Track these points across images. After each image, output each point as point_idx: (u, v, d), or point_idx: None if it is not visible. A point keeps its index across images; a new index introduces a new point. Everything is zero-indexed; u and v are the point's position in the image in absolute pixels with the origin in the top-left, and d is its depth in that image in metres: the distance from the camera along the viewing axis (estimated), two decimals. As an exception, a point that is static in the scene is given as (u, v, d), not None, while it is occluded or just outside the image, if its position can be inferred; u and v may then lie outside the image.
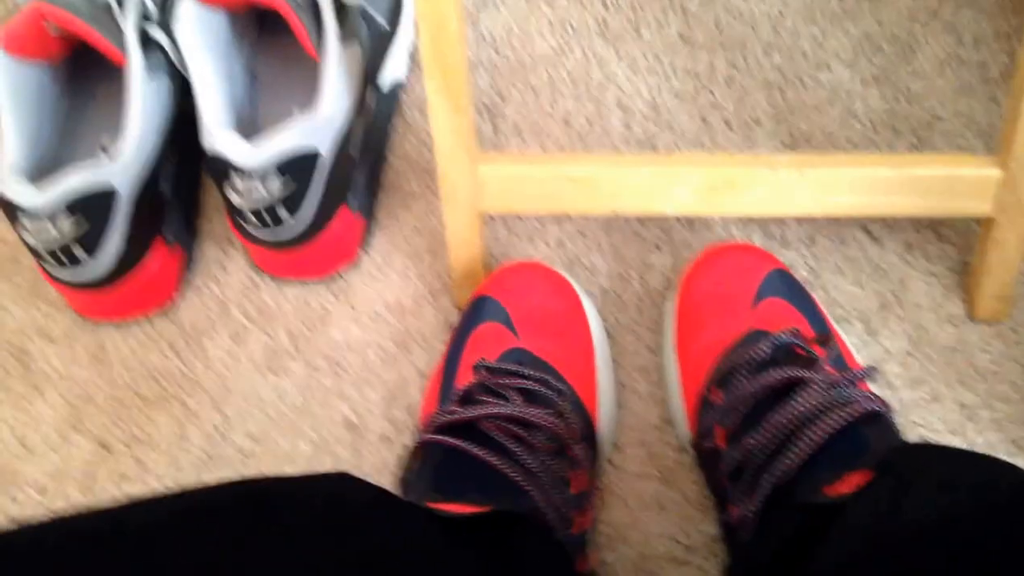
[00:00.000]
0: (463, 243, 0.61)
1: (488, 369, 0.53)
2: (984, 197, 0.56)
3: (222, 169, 0.58)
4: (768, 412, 0.48)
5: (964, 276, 0.63)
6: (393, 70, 0.71)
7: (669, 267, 0.65)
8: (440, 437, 0.50)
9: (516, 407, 0.50)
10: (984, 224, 0.58)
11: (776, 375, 0.49)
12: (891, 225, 0.65)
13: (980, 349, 0.60)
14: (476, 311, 0.59)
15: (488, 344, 0.57)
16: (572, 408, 0.53)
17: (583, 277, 0.65)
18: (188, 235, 0.67)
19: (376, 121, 0.68)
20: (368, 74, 0.66)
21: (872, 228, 0.65)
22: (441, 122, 0.55)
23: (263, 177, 0.57)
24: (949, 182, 0.55)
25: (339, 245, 0.64)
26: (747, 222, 0.66)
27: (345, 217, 0.63)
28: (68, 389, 0.64)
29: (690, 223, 0.66)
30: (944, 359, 0.60)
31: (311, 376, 0.63)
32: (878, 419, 0.48)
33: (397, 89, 0.72)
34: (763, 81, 0.71)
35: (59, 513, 0.35)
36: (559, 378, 0.55)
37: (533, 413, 0.50)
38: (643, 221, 0.67)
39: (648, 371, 0.62)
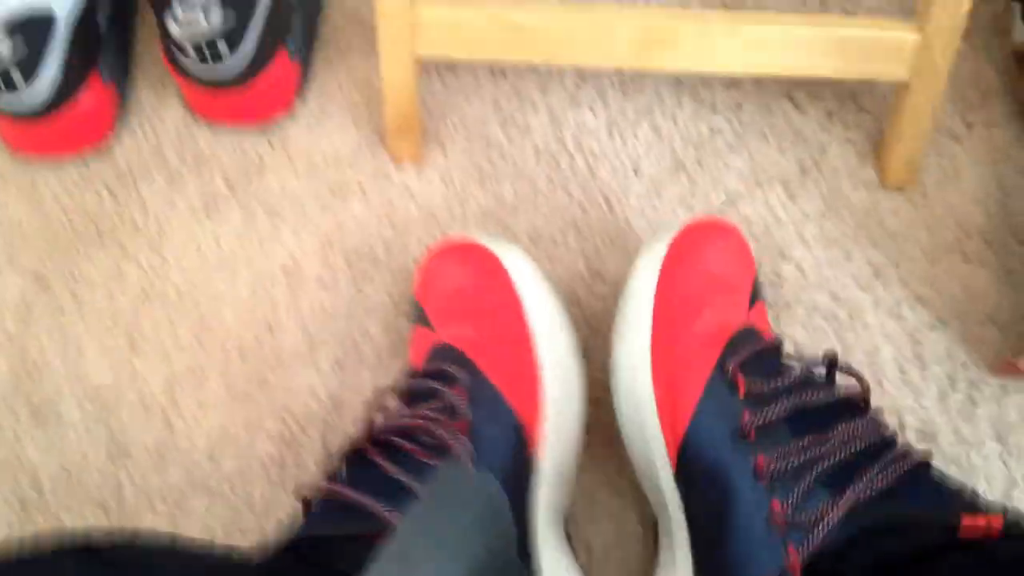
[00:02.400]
0: (399, 89, 0.62)
1: (407, 374, 0.52)
2: (901, 61, 0.58)
3: (162, -1, 0.57)
4: (820, 424, 0.46)
5: (879, 144, 0.66)
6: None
7: (603, 127, 0.67)
8: (322, 484, 0.47)
9: (382, 423, 0.47)
10: (899, 90, 0.61)
11: (846, 393, 0.47)
12: (814, 94, 0.68)
13: (890, 212, 0.64)
14: (412, 316, 0.58)
15: (417, 349, 0.56)
16: (473, 394, 0.49)
17: (516, 136, 0.67)
18: (123, 74, 0.67)
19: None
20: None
21: (796, 96, 0.68)
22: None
23: (205, 7, 0.57)
24: (869, 44, 0.58)
25: (276, 91, 0.65)
26: (678, 87, 0.68)
27: (283, 61, 0.64)
28: (0, 226, 0.64)
29: (623, 87, 0.68)
30: (857, 221, 0.64)
31: (248, 221, 0.64)
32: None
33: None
34: (699, -51, 0.72)
35: None
36: (465, 365, 0.51)
37: (395, 424, 0.47)
38: (578, 83, 0.68)
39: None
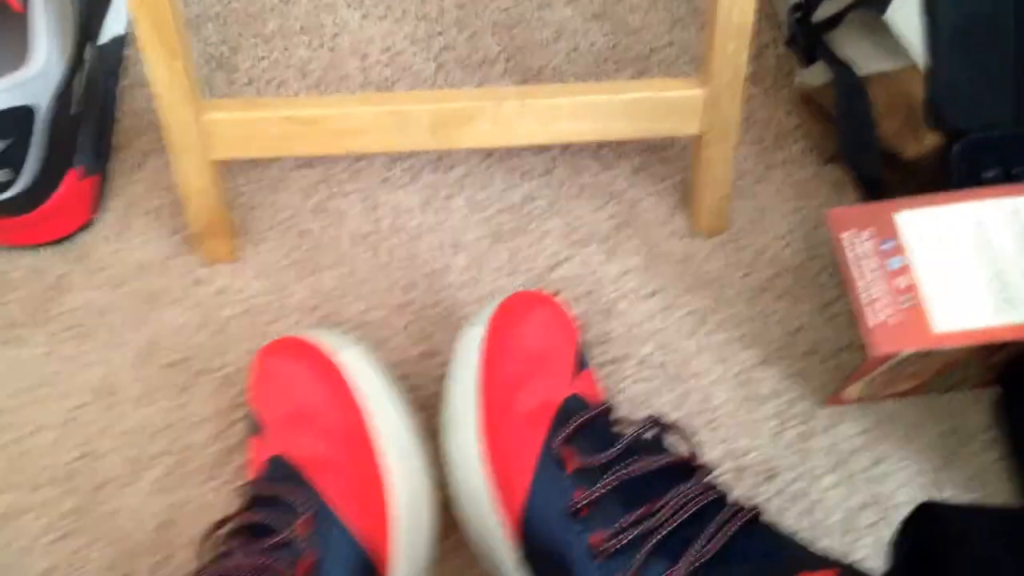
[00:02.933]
0: (199, 194, 0.60)
1: (244, 497, 0.49)
2: (692, 116, 0.60)
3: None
4: (650, 492, 0.46)
5: (687, 194, 0.67)
6: (113, 24, 0.68)
7: (418, 206, 0.66)
8: None
9: (211, 569, 0.44)
10: (695, 143, 0.63)
11: (672, 458, 0.47)
12: (620, 152, 0.69)
13: (705, 259, 0.65)
14: (246, 428, 0.55)
15: (254, 460, 0.52)
16: (315, 525, 0.47)
17: (331, 224, 0.65)
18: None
19: (97, 76, 0.66)
20: (85, 29, 0.63)
21: (603, 155, 0.69)
22: (157, 72, 0.54)
23: (-26, 137, 0.54)
24: (660, 104, 0.59)
25: (69, 209, 0.62)
26: (489, 157, 0.68)
27: (72, 180, 0.61)
28: None
29: (435, 164, 0.68)
30: (675, 271, 0.65)
31: (51, 344, 0.61)
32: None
33: (119, 43, 0.70)
34: (491, 22, 0.73)
35: None
36: (303, 488, 0.48)
37: (231, 566, 0.44)
38: (388, 165, 0.68)
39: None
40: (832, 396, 0.60)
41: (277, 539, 0.45)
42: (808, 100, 0.69)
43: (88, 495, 0.57)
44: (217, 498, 0.57)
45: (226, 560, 0.45)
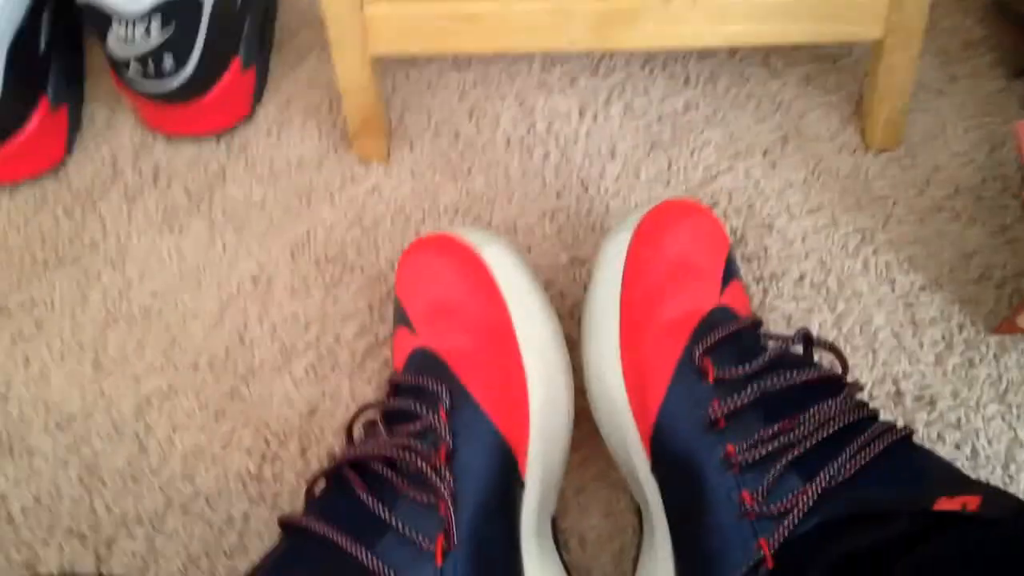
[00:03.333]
0: (357, 91, 0.60)
1: (388, 384, 0.50)
2: (875, 19, 0.56)
3: (101, 18, 0.55)
4: (793, 407, 0.44)
5: (860, 105, 0.63)
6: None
7: (574, 111, 0.65)
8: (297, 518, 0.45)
9: (363, 445, 0.45)
10: (875, 50, 0.59)
11: (819, 373, 0.45)
12: (791, 59, 0.65)
13: (876, 175, 0.61)
14: (393, 316, 0.55)
15: (399, 351, 0.52)
16: (456, 415, 0.46)
17: (484, 127, 0.64)
18: (73, 95, 0.65)
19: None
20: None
21: (772, 63, 0.65)
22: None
23: (145, 22, 0.55)
24: (841, 4, 0.55)
25: (231, 100, 0.63)
26: (649, 62, 0.66)
27: (236, 70, 0.62)
28: (-41, 255, 0.62)
29: (593, 68, 0.66)
30: (842, 186, 0.61)
31: (211, 233, 0.62)
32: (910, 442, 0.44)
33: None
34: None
35: None
36: (447, 379, 0.48)
37: (373, 448, 0.44)
38: (546, 67, 0.66)
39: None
40: (1002, 324, 0.56)
41: (419, 425, 0.45)
42: (1001, 7, 0.63)
43: (241, 379, 0.58)
44: (364, 389, 0.58)
45: (369, 443, 0.46)
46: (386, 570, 0.41)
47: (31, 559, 0.54)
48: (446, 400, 0.47)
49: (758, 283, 0.59)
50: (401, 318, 0.53)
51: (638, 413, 0.49)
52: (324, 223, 0.62)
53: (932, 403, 0.55)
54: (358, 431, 0.50)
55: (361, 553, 0.41)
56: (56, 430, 0.57)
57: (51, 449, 0.57)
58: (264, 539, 0.55)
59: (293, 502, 0.55)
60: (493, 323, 0.50)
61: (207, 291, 0.60)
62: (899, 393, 0.56)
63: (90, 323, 0.59)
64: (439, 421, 0.45)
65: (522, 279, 0.53)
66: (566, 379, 0.52)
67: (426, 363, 0.49)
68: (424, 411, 0.46)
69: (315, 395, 0.58)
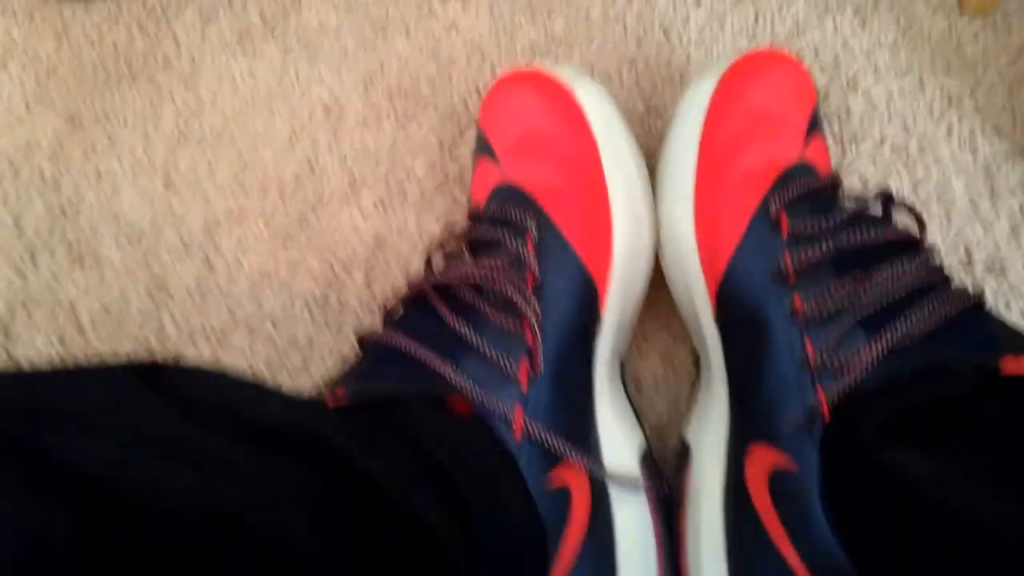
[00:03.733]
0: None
1: (470, 216, 0.49)
2: None
3: None
4: (867, 265, 0.43)
5: (959, -33, 0.61)
6: None
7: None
8: (380, 333, 0.45)
9: (445, 270, 0.45)
10: (985, -98, 0.56)
11: (896, 233, 0.44)
12: (888, -84, 0.63)
13: (969, 39, 0.59)
14: (475, 147, 0.54)
15: (480, 183, 0.52)
16: (542, 246, 0.46)
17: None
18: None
19: None
20: None
21: (868, -81, 0.63)
22: None
23: None
24: None
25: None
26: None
27: None
28: (31, 64, 0.62)
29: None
30: (932, 48, 0.59)
31: (285, 58, 0.61)
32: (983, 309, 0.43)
33: None
34: None
35: None
36: (534, 212, 0.47)
37: (460, 274, 0.44)
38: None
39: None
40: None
41: (506, 255, 0.45)
42: None
43: (310, 207, 0.58)
44: (431, 226, 0.58)
45: (456, 269, 0.46)
46: (474, 388, 0.41)
47: (99, 366, 0.55)
48: (534, 231, 0.46)
49: (838, 144, 0.57)
50: (485, 149, 0.52)
51: (707, 262, 0.48)
52: (399, 56, 0.61)
53: (1003, 272, 0.54)
54: (437, 261, 0.50)
55: (448, 370, 0.41)
56: (126, 243, 0.57)
57: (121, 262, 0.57)
58: (327, 363, 0.55)
59: (357, 330, 0.56)
60: (582, 160, 0.50)
61: (279, 118, 0.60)
62: (970, 261, 0.55)
63: (162, 141, 0.59)
64: (526, 251, 0.45)
65: (613, 119, 0.52)
66: (650, 221, 0.51)
67: (512, 196, 0.49)
68: (511, 241, 0.45)
69: (382, 228, 0.58)
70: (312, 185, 0.58)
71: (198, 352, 0.55)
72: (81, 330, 0.56)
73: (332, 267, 0.57)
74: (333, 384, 0.43)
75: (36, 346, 0.55)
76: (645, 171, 0.52)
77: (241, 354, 0.55)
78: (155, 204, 0.58)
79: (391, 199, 0.58)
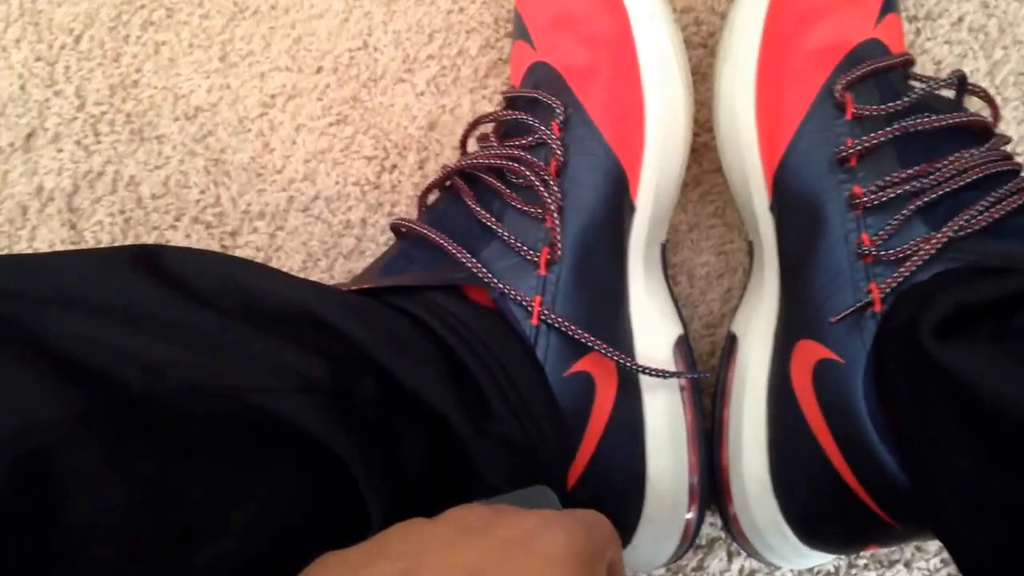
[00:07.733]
0: None
1: (504, 97, 0.49)
2: None
3: None
4: (934, 152, 0.42)
5: None
6: None
7: None
8: (401, 221, 0.46)
9: (474, 155, 0.45)
10: None
11: (967, 118, 0.42)
12: None
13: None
14: (513, 28, 0.53)
15: (516, 65, 0.51)
16: (569, 129, 0.45)
17: None
18: None
19: None
20: None
21: None
22: None
23: None
24: None
25: None
26: None
27: None
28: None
29: None
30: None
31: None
32: None
33: None
34: None
35: None
36: (563, 94, 0.46)
37: (485, 157, 0.44)
38: None
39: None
40: None
41: (531, 138, 0.45)
42: None
43: (364, 86, 0.58)
44: (485, 106, 0.57)
45: (483, 152, 0.46)
46: (490, 276, 0.42)
47: (159, 241, 0.57)
48: (560, 114, 0.46)
49: (911, 22, 0.55)
50: (521, 31, 0.51)
51: (765, 145, 0.47)
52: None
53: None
54: (473, 144, 0.49)
55: (466, 259, 0.42)
56: (184, 120, 0.58)
57: (179, 138, 0.58)
58: (380, 244, 0.56)
59: (410, 211, 0.56)
60: (614, 37, 0.48)
61: (333, -9, 0.59)
62: (1046, 152, 0.52)
63: (218, 14, 0.59)
64: (551, 134, 0.45)
65: (654, 5, 0.50)
66: (687, 107, 0.50)
67: (542, 77, 0.48)
68: (537, 124, 0.45)
69: (435, 108, 0.57)
70: (366, 63, 0.58)
71: (255, 232, 0.56)
72: (141, 204, 0.57)
73: (385, 148, 0.57)
74: (360, 276, 0.44)
75: (98, 219, 0.57)
76: (685, 55, 0.50)
77: (297, 234, 0.56)
78: (212, 80, 0.58)
79: (444, 79, 0.57)
